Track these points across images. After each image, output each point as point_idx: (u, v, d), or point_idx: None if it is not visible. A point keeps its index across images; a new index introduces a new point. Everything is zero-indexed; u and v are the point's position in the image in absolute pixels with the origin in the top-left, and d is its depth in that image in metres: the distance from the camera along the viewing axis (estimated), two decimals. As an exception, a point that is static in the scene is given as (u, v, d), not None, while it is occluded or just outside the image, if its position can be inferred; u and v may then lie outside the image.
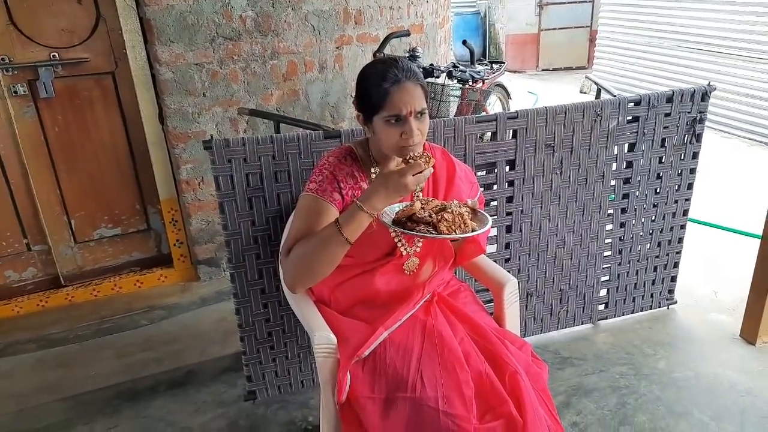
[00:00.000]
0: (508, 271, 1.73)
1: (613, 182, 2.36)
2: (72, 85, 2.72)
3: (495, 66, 4.36)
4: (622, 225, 2.45)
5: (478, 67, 3.99)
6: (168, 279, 3.10)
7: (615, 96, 2.64)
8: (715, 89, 2.37)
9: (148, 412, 2.17)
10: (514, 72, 9.56)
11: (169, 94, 2.73)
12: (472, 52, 3.97)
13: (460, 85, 3.70)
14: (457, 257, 1.68)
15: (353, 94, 1.51)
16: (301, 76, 3.07)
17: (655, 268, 2.59)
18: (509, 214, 2.25)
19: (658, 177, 2.42)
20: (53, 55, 2.63)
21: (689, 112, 2.34)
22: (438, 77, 3.58)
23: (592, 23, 9.38)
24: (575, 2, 9.54)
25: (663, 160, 2.40)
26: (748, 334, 2.46)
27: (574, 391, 2.19)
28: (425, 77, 3.06)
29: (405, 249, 1.53)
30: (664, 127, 2.34)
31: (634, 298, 2.61)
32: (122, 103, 2.83)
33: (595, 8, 9.21)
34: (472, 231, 1.37)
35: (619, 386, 2.22)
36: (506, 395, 1.31)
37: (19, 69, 2.60)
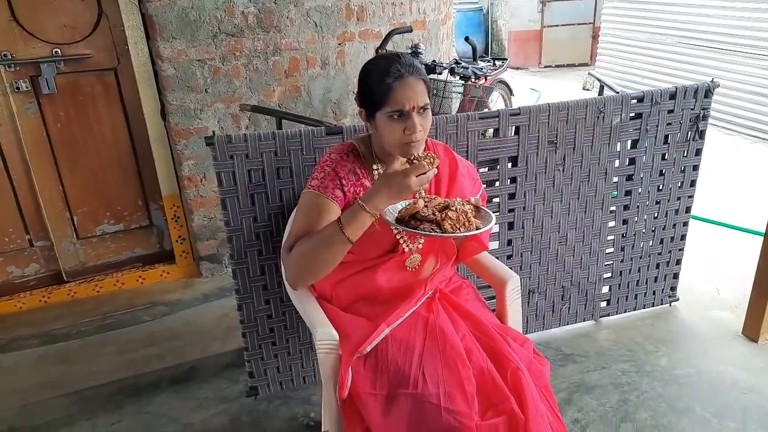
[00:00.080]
0: (510, 268, 1.73)
1: (615, 179, 2.36)
2: (74, 82, 2.72)
3: (497, 62, 4.36)
4: (625, 222, 2.45)
5: (481, 64, 3.99)
6: (170, 275, 3.11)
7: (618, 93, 2.63)
8: (718, 86, 2.36)
9: (151, 408, 2.18)
10: (517, 69, 9.54)
11: (171, 90, 2.73)
12: (474, 49, 3.96)
13: (463, 82, 3.70)
14: (459, 254, 1.68)
15: (355, 90, 1.51)
16: (303, 72, 3.07)
17: (658, 265, 2.59)
18: (511, 210, 2.25)
19: (661, 174, 2.42)
20: (55, 51, 2.63)
21: (692, 109, 2.34)
22: (440, 74, 3.58)
23: (594, 20, 9.35)
24: (578, -2, 9.52)
25: (666, 157, 2.40)
26: (751, 331, 2.45)
27: (576, 388, 2.19)
28: (427, 74, 3.05)
29: (407, 246, 1.53)
30: (667, 124, 2.33)
31: (636, 295, 2.61)
32: (124, 100, 2.83)
33: (597, 5, 9.18)
34: (477, 229, 1.36)
35: (620, 383, 2.22)
36: (508, 392, 1.31)
37: (21, 65, 2.60)
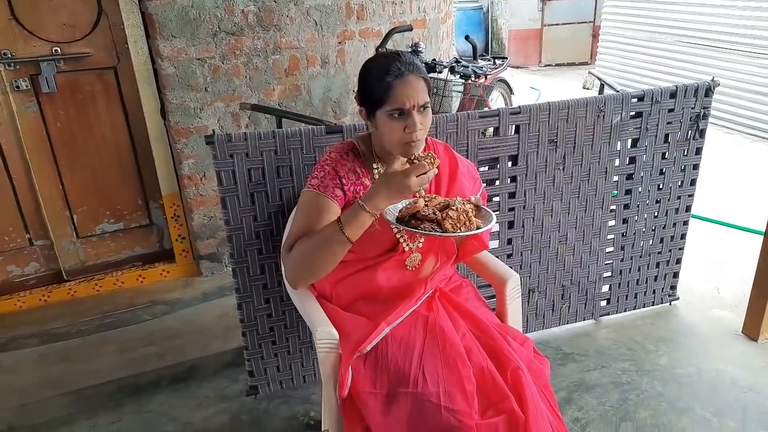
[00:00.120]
0: (510, 267, 1.73)
1: (615, 178, 2.36)
2: (74, 80, 2.71)
3: (498, 61, 4.35)
4: (625, 221, 2.45)
5: (481, 63, 3.98)
6: (170, 274, 3.10)
7: (618, 91, 2.63)
8: (719, 84, 2.36)
9: (151, 407, 2.18)
10: (517, 67, 9.53)
11: (171, 89, 2.73)
12: (474, 48, 3.96)
13: (463, 81, 3.69)
14: (459, 253, 1.68)
15: (355, 89, 1.51)
16: (303, 71, 3.06)
17: (658, 264, 2.59)
18: (511, 209, 2.24)
19: (661, 173, 2.42)
20: (55, 50, 2.63)
21: (693, 108, 2.34)
22: (440, 72, 3.57)
23: (595, 18, 9.35)
24: (578, -3, 9.51)
25: (666, 156, 2.39)
26: (751, 330, 2.45)
27: (576, 387, 2.19)
28: (428, 72, 3.05)
29: (407, 245, 1.53)
30: (668, 123, 2.33)
31: (636, 294, 2.61)
32: (124, 98, 2.82)
33: (598, 3, 9.17)
34: (477, 228, 1.36)
35: (620, 382, 2.22)
36: (508, 391, 1.32)
37: (21, 64, 2.59)
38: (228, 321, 2.65)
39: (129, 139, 2.90)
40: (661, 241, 2.54)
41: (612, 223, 2.44)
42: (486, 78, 3.93)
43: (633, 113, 2.27)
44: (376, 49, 3.17)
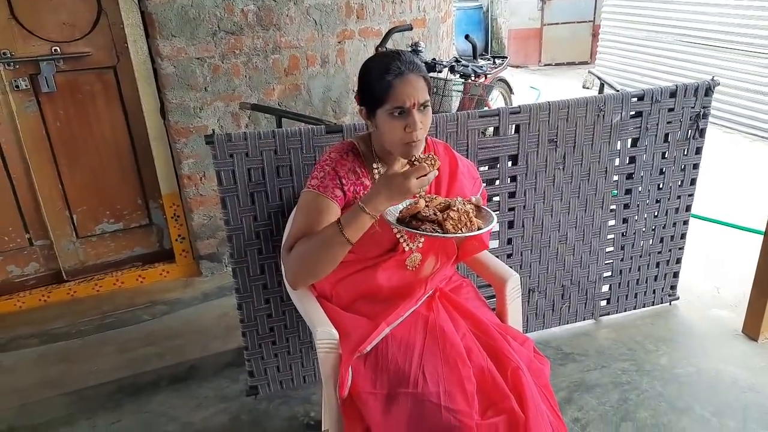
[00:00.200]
0: (511, 267, 1.73)
1: (615, 178, 2.36)
2: (73, 80, 2.71)
3: (497, 61, 4.35)
4: (625, 221, 2.45)
5: (481, 62, 3.98)
6: (170, 274, 3.10)
7: (618, 91, 2.63)
8: (719, 84, 2.36)
9: (151, 407, 2.18)
10: (517, 67, 9.53)
11: (171, 88, 2.73)
12: (474, 47, 3.96)
13: (463, 80, 3.69)
14: (459, 253, 1.67)
15: (355, 88, 1.51)
16: (303, 70, 3.06)
17: (658, 264, 2.59)
18: (511, 209, 2.24)
19: (661, 172, 2.42)
20: (55, 50, 2.63)
21: (693, 107, 2.33)
22: (440, 72, 3.57)
23: (595, 18, 9.34)
24: (578, -3, 9.51)
25: (666, 156, 2.39)
26: (751, 330, 2.45)
27: (576, 387, 2.19)
28: (428, 72, 3.04)
29: (407, 245, 1.53)
30: (668, 123, 2.33)
31: (636, 294, 2.61)
32: (124, 98, 2.82)
33: (597, 3, 9.16)
34: (478, 229, 1.36)
35: (620, 382, 2.21)
36: (508, 391, 1.31)
37: (20, 63, 2.59)
38: (228, 321, 2.65)
39: (129, 138, 2.89)
40: (661, 240, 2.54)
41: (612, 222, 2.43)
42: (486, 77, 3.93)
43: (633, 113, 2.27)
44: (376, 49, 3.17)
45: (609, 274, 2.53)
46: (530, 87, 7.70)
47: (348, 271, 1.53)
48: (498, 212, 2.21)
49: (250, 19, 2.81)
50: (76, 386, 2.30)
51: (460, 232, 1.34)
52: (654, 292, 2.64)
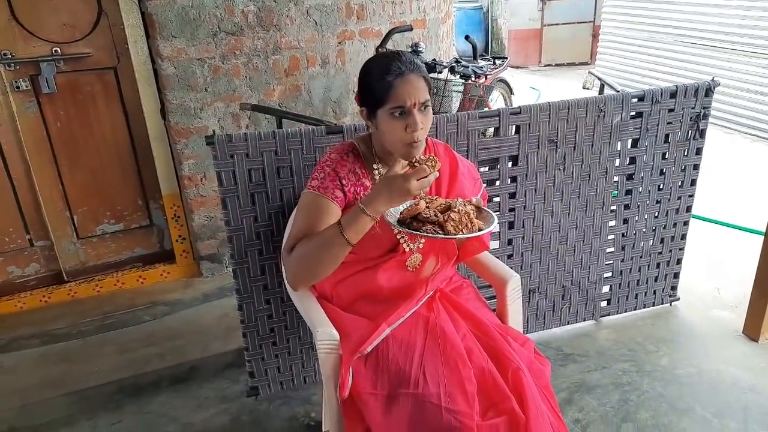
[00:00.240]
0: (511, 268, 1.73)
1: (616, 178, 2.36)
2: (74, 80, 2.71)
3: (498, 61, 4.35)
4: (625, 221, 2.45)
5: (481, 63, 3.98)
6: (170, 275, 3.10)
7: (618, 91, 2.63)
8: (719, 84, 2.36)
9: (151, 408, 2.18)
10: (517, 67, 9.53)
11: (171, 89, 2.73)
12: (474, 48, 3.96)
13: (463, 81, 3.69)
14: (460, 254, 1.67)
15: (355, 89, 1.51)
16: (303, 71, 3.06)
17: (658, 265, 2.58)
18: (512, 210, 2.24)
19: (662, 173, 2.42)
20: (55, 50, 2.63)
21: (693, 108, 2.33)
22: (440, 72, 3.57)
23: (595, 18, 9.34)
24: (578, -3, 9.51)
25: (666, 156, 2.39)
26: (751, 331, 2.45)
27: (577, 388, 2.19)
28: (428, 72, 3.05)
29: (408, 245, 1.53)
30: (668, 123, 2.33)
31: (636, 294, 2.61)
32: (124, 99, 2.82)
33: (598, 3, 9.16)
34: (479, 230, 1.36)
35: (621, 383, 2.21)
36: (509, 392, 1.31)
37: (21, 64, 2.59)
38: (228, 322, 2.65)
39: (129, 139, 2.90)
40: (662, 241, 2.54)
41: (612, 223, 2.43)
42: (486, 78, 3.93)
43: (633, 113, 2.27)
44: (376, 49, 3.18)
45: (609, 274, 2.53)
46: (530, 88, 7.70)
47: (348, 271, 1.53)
48: (498, 213, 2.21)
49: (250, 20, 2.81)
50: (76, 387, 2.30)
51: (460, 233, 1.34)
52: (654, 292, 2.64)
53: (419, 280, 1.56)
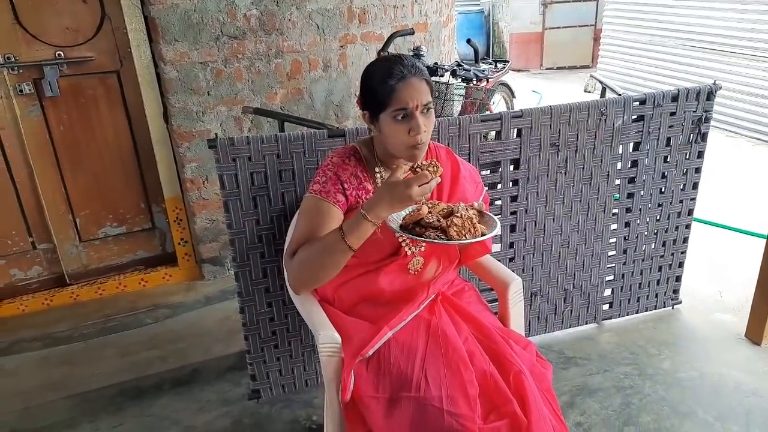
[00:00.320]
0: (513, 271, 1.73)
1: (617, 181, 2.36)
2: (77, 84, 2.72)
3: (499, 65, 4.35)
4: (627, 224, 2.44)
5: (483, 66, 3.98)
6: (172, 278, 3.11)
7: (620, 95, 2.63)
8: (720, 88, 2.36)
9: (153, 411, 2.18)
10: (518, 71, 9.54)
11: (174, 92, 2.74)
12: (476, 51, 3.96)
13: (465, 84, 3.70)
14: (462, 257, 1.68)
15: (357, 92, 1.51)
16: (306, 74, 3.07)
17: (660, 268, 2.58)
18: (513, 213, 2.24)
19: (663, 176, 2.42)
20: (58, 54, 2.64)
21: (695, 111, 2.34)
22: (442, 76, 3.58)
23: (596, 22, 9.35)
24: (579, 1, 9.51)
25: (668, 160, 2.39)
26: (754, 334, 2.45)
27: (579, 391, 2.18)
28: (429, 76, 3.05)
29: (409, 249, 1.53)
30: (670, 126, 2.33)
31: (638, 297, 2.61)
32: (127, 102, 2.83)
33: (599, 7, 9.18)
34: (482, 235, 1.37)
35: (623, 386, 2.21)
36: (510, 395, 1.31)
37: (24, 68, 2.61)
38: (230, 325, 2.65)
39: (132, 142, 2.90)
40: (664, 244, 2.54)
41: (614, 226, 2.43)
42: (488, 81, 3.94)
43: (635, 117, 2.27)
44: (378, 53, 3.18)
45: (611, 278, 2.52)
46: (532, 91, 7.70)
47: (350, 275, 1.53)
48: (500, 216, 2.21)
49: (252, 24, 2.82)
50: (78, 389, 2.30)
51: (464, 238, 1.34)
52: (656, 296, 2.64)
53: (421, 283, 1.56)
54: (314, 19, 3.00)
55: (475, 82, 3.74)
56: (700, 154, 2.43)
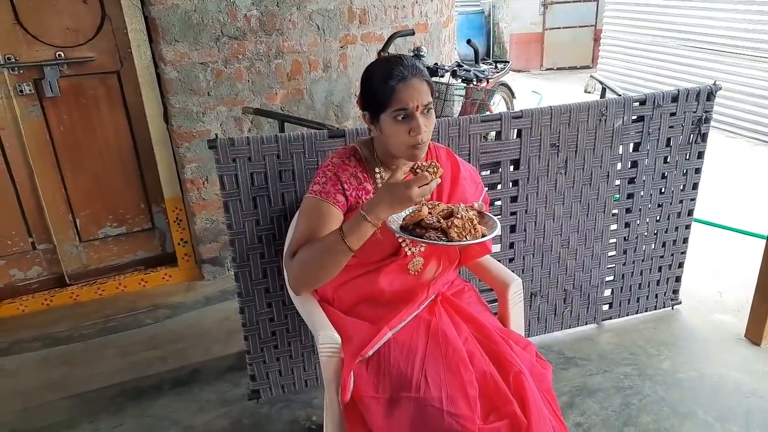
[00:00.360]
0: (513, 271, 1.73)
1: (617, 182, 2.36)
2: (77, 85, 2.72)
3: (499, 65, 4.35)
4: (627, 225, 2.45)
5: (483, 67, 3.98)
6: (172, 278, 3.11)
7: (620, 95, 2.63)
8: (720, 88, 2.36)
9: (153, 411, 2.18)
10: (519, 71, 9.54)
11: (174, 93, 2.74)
12: (476, 52, 3.96)
13: (465, 85, 3.69)
14: (462, 257, 1.68)
15: (357, 93, 1.51)
16: (306, 75, 3.07)
17: (660, 269, 2.58)
18: (513, 213, 2.24)
19: (663, 177, 2.42)
20: (59, 54, 2.64)
21: (695, 112, 2.34)
22: (442, 76, 3.58)
23: (596, 22, 9.36)
24: (580, 1, 9.52)
25: (668, 160, 2.39)
26: (753, 334, 2.45)
27: (578, 392, 2.19)
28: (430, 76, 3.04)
29: (409, 249, 1.53)
30: (670, 127, 2.33)
31: (638, 298, 2.61)
32: (127, 103, 2.83)
33: (599, 7, 9.19)
34: (483, 236, 1.37)
35: (623, 387, 2.21)
36: (510, 395, 1.31)
37: (24, 68, 2.61)
38: (230, 325, 2.65)
39: (132, 143, 2.91)
40: (664, 245, 2.54)
41: (614, 227, 2.43)
42: (488, 82, 3.93)
43: (635, 117, 2.27)
44: (379, 54, 3.18)
45: (611, 278, 2.52)
46: (532, 91, 7.70)
47: (350, 275, 1.54)
48: (500, 216, 2.21)
49: (253, 24, 2.82)
50: (78, 390, 2.30)
51: (464, 239, 1.35)
52: (656, 296, 2.64)
53: (421, 283, 1.57)
54: (314, 19, 3.00)
55: (475, 83, 3.74)
56: (700, 155, 2.43)
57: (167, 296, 2.97)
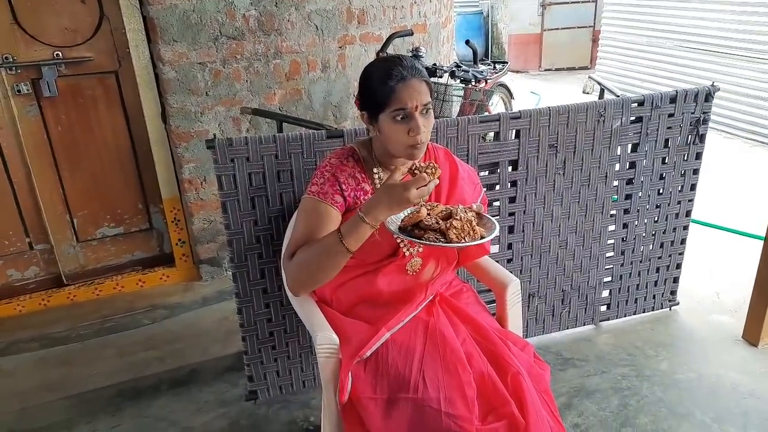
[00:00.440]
0: (511, 272, 1.73)
1: (615, 183, 2.36)
2: (75, 84, 2.72)
3: (498, 66, 4.36)
4: (625, 226, 2.45)
5: (481, 67, 3.98)
6: (170, 278, 3.10)
7: (618, 96, 2.64)
8: (718, 89, 2.36)
9: (151, 411, 2.18)
10: (517, 72, 9.55)
11: (172, 93, 2.74)
12: (475, 52, 3.96)
13: (463, 85, 3.70)
14: (460, 258, 1.68)
15: (356, 93, 1.51)
16: (304, 75, 3.07)
17: (658, 269, 2.59)
18: (512, 214, 2.25)
19: (661, 178, 2.42)
20: (56, 54, 2.63)
21: (693, 113, 2.34)
22: (441, 77, 3.58)
23: (595, 23, 9.38)
24: (578, 2, 9.54)
25: (666, 161, 2.40)
26: (751, 335, 2.45)
27: (576, 392, 2.19)
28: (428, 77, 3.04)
29: (407, 250, 1.53)
30: (668, 128, 2.33)
31: (636, 299, 2.61)
32: (125, 103, 2.83)
33: (598, 8, 9.20)
34: (481, 237, 1.37)
35: (620, 387, 2.21)
36: (508, 396, 1.31)
37: (22, 68, 2.60)
38: (228, 325, 2.65)
39: (130, 143, 2.90)
40: (661, 246, 2.54)
41: (612, 227, 2.44)
42: (486, 82, 3.94)
43: (633, 118, 2.27)
44: (377, 54, 3.18)
45: (609, 279, 2.53)
46: (530, 92, 7.71)
47: (348, 275, 1.53)
48: (498, 217, 2.21)
49: (251, 25, 2.82)
50: (76, 390, 2.30)
51: (463, 241, 1.34)
52: (654, 297, 2.64)
53: (419, 284, 1.57)
54: (313, 19, 3.00)
55: (473, 83, 3.74)
56: (698, 156, 2.43)
57: (165, 296, 2.97)
